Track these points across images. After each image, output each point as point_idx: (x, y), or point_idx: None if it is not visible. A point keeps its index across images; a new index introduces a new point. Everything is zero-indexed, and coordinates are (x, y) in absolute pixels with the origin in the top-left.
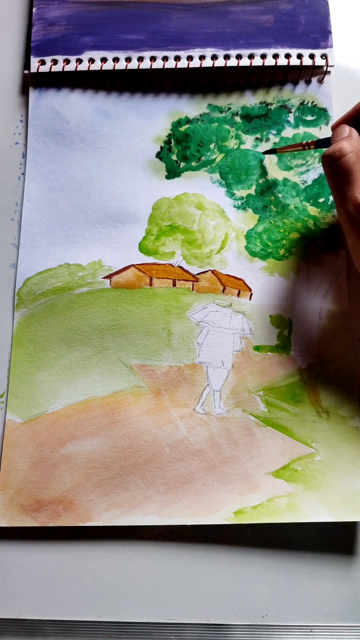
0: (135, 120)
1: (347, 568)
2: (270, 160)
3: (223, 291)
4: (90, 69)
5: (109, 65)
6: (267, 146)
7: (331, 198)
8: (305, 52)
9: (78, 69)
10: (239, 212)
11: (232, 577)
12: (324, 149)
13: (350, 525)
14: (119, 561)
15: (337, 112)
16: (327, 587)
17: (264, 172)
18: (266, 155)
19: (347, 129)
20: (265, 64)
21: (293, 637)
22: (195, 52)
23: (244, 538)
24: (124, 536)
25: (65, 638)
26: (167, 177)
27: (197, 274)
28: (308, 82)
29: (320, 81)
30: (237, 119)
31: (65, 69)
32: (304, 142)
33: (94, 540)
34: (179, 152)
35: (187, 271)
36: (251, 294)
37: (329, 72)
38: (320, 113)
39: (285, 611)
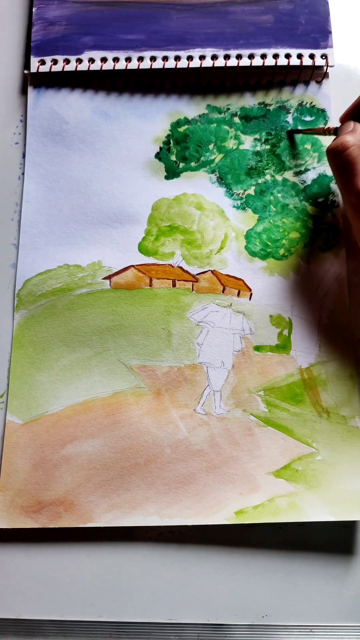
0: (134, 120)
1: (347, 568)
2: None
3: (223, 291)
4: (90, 69)
5: (109, 65)
6: (265, 147)
7: (330, 197)
8: (305, 52)
9: (78, 69)
10: (239, 212)
11: (232, 577)
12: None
13: (350, 525)
14: (119, 561)
15: (336, 113)
16: (327, 587)
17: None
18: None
19: (351, 124)
20: (265, 64)
21: (293, 637)
22: (195, 52)
23: (244, 538)
24: (124, 536)
25: (65, 638)
26: (167, 178)
27: (196, 274)
28: (307, 83)
29: (319, 82)
30: (236, 119)
31: (65, 69)
32: (325, 127)
33: (94, 541)
34: (178, 152)
35: (186, 271)
36: (251, 294)
37: (327, 73)
38: (319, 114)
39: (285, 611)
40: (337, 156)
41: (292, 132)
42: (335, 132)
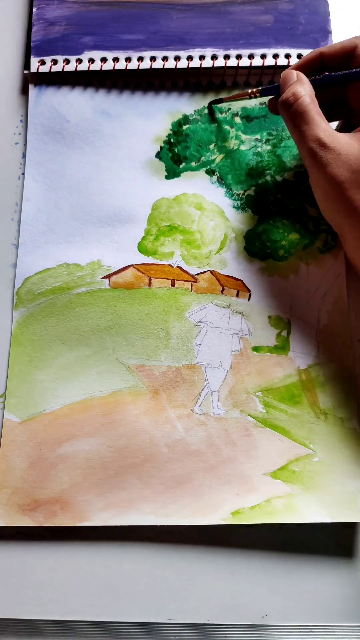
0: (135, 119)
1: (347, 568)
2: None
3: (222, 292)
4: (90, 69)
5: (109, 65)
6: (266, 147)
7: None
8: (305, 52)
9: (78, 69)
10: (239, 213)
11: (231, 577)
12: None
13: (350, 526)
14: (119, 561)
15: None
16: (327, 587)
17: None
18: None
19: (294, 73)
20: (265, 64)
21: (293, 637)
22: (195, 52)
23: (244, 538)
24: (123, 536)
25: (65, 638)
26: (167, 177)
27: (196, 275)
28: None
29: None
30: (237, 119)
31: (65, 69)
32: (250, 91)
33: (94, 541)
34: (179, 152)
35: (186, 271)
36: (250, 295)
37: None
38: None
39: (285, 611)
40: (289, 107)
41: (215, 102)
42: (262, 93)
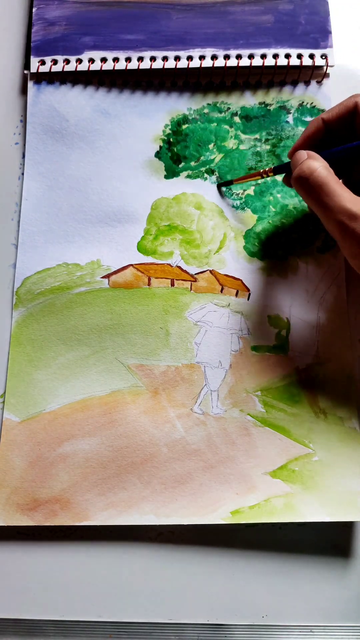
0: (134, 119)
1: (347, 568)
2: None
3: (221, 291)
4: (90, 69)
5: (109, 65)
6: (265, 147)
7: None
8: (305, 52)
9: (78, 69)
10: (238, 212)
11: (232, 577)
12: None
13: (349, 526)
14: (119, 561)
15: None
16: (327, 587)
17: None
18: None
19: (304, 153)
20: (265, 64)
21: (293, 637)
22: (195, 52)
23: (244, 538)
24: (124, 536)
25: (65, 638)
26: (166, 177)
27: (195, 274)
28: (307, 83)
29: (319, 82)
30: (237, 119)
31: (65, 69)
32: (262, 170)
33: (94, 540)
34: (178, 151)
35: (185, 271)
36: (249, 294)
37: (328, 74)
38: (319, 114)
39: (285, 611)
40: (305, 182)
41: (224, 184)
42: (275, 171)
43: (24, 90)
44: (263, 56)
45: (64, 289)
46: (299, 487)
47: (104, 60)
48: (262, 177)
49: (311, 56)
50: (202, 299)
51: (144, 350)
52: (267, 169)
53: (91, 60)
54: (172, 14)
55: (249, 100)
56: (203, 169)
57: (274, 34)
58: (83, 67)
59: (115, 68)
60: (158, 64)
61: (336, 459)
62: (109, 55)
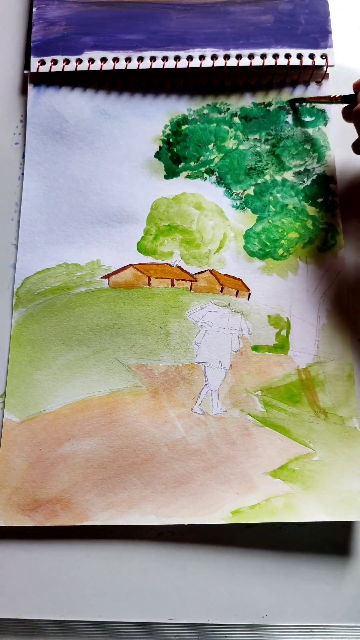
0: (134, 120)
1: (347, 568)
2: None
3: (221, 291)
4: (90, 69)
5: (109, 65)
6: (265, 147)
7: (330, 197)
8: (305, 52)
9: (78, 69)
10: (238, 212)
11: (232, 577)
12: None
13: (349, 526)
14: (120, 561)
15: (336, 113)
16: (327, 587)
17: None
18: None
19: None
20: (265, 64)
21: (293, 637)
22: (195, 52)
23: (244, 538)
24: (124, 536)
25: (65, 638)
26: (166, 177)
27: (195, 274)
28: (307, 83)
29: (319, 82)
30: (236, 119)
31: (65, 69)
32: (332, 96)
33: (94, 540)
34: (178, 152)
35: (185, 271)
36: (249, 294)
37: (327, 74)
38: (319, 114)
39: (285, 611)
40: None
41: (294, 100)
42: (344, 99)
43: (24, 91)
44: (263, 56)
45: (64, 289)
46: (299, 487)
47: (104, 60)
48: (331, 102)
49: (311, 56)
50: (202, 299)
51: (144, 351)
52: (336, 95)
53: (91, 60)
54: (172, 14)
55: (249, 100)
56: (203, 169)
57: (274, 34)
58: (83, 67)
59: (115, 68)
60: (158, 64)
61: (336, 458)
62: (109, 55)
